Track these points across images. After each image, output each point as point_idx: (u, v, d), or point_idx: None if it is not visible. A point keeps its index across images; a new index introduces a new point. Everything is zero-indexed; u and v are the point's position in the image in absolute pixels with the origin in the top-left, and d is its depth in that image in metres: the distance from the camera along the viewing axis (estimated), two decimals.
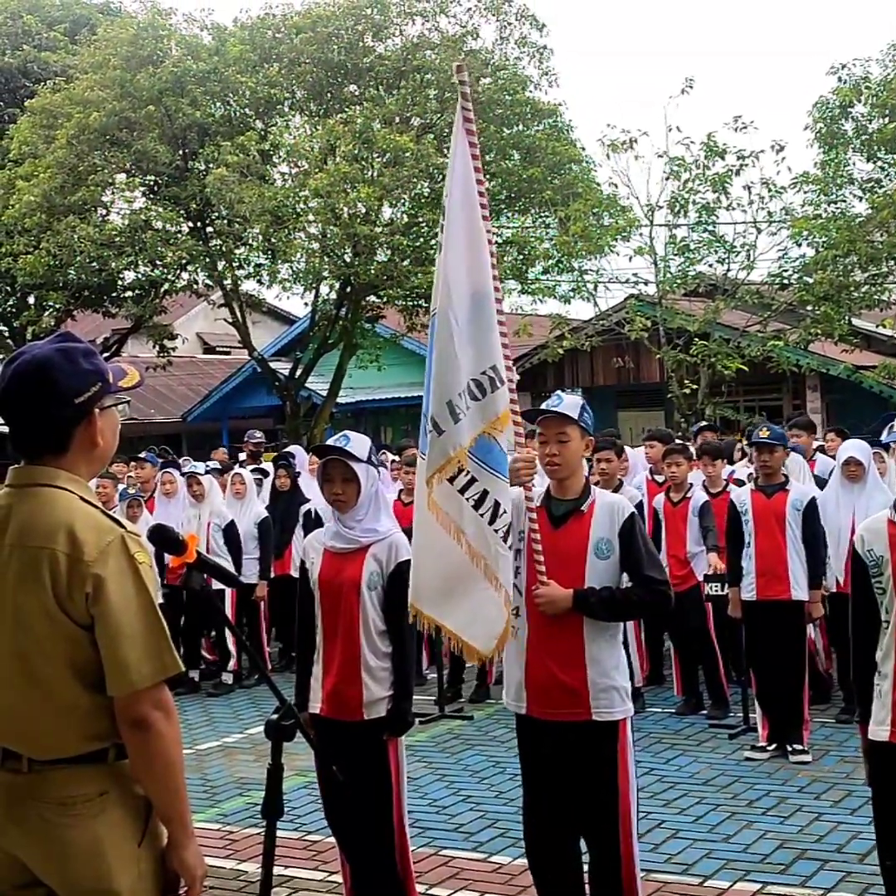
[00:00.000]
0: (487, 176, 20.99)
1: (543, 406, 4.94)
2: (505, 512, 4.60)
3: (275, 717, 3.52)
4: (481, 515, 4.57)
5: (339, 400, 23.70)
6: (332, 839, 6.31)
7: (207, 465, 12.29)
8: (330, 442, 5.33)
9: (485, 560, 4.56)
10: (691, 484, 9.55)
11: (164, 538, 3.38)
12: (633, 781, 4.80)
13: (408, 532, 5.24)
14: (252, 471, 12.93)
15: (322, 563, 5.26)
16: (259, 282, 22.68)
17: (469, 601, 4.60)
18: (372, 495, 5.21)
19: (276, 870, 5.28)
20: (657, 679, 10.35)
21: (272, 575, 11.38)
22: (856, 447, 9.15)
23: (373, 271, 19.66)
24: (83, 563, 2.91)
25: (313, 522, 10.81)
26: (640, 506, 9.59)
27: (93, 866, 2.94)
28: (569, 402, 4.90)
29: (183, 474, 11.56)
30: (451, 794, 7.56)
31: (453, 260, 4.67)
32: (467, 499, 4.57)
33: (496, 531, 4.58)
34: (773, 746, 8.07)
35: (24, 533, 2.99)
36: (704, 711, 9.25)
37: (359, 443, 5.21)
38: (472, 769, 8.10)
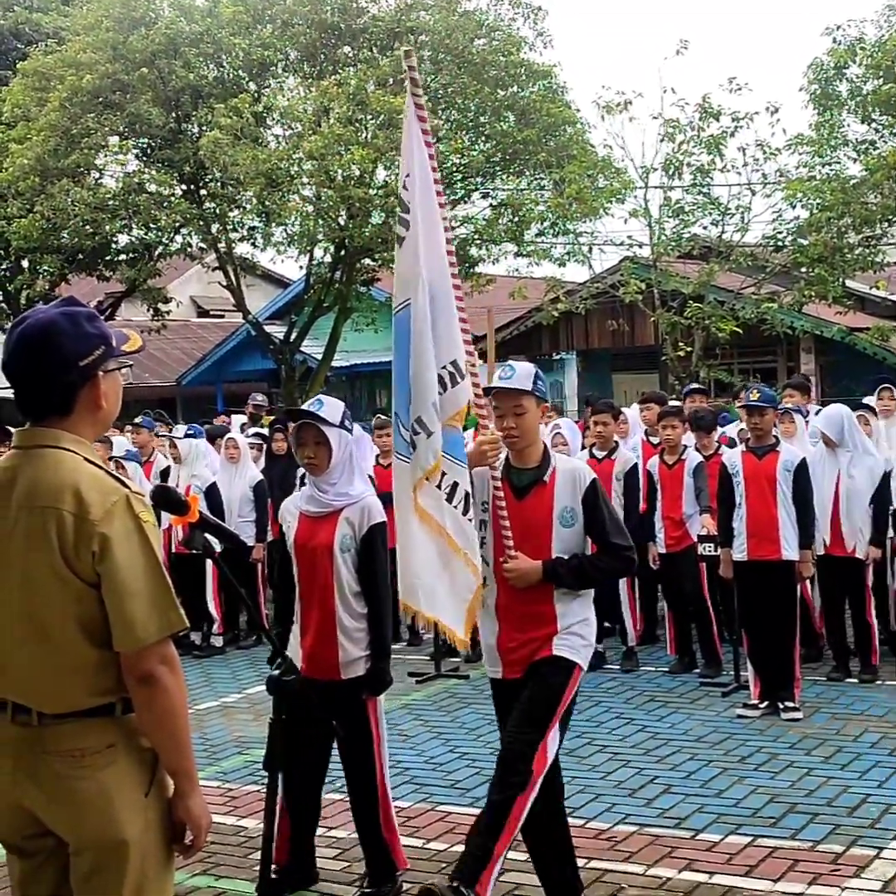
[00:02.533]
0: (483, 138, 20.98)
1: (495, 377, 4.96)
2: (473, 502, 4.70)
3: (276, 672, 3.61)
4: (455, 507, 4.64)
5: (334, 364, 23.68)
6: (331, 796, 6.45)
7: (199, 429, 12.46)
8: (304, 407, 5.43)
9: (465, 552, 4.65)
10: (686, 446, 9.62)
11: (166, 499, 3.44)
12: (557, 729, 4.78)
13: (383, 497, 5.35)
14: (253, 435, 12.99)
15: (297, 526, 5.37)
16: (253, 245, 22.61)
17: (454, 593, 4.71)
18: (345, 459, 5.29)
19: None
20: (651, 638, 10.46)
21: (272, 537, 11.45)
22: (821, 420, 9.21)
23: (367, 234, 19.61)
24: (89, 523, 2.97)
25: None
26: (635, 467, 9.69)
27: (102, 816, 3.02)
28: (521, 373, 4.89)
29: (158, 435, 11.82)
30: (448, 750, 7.67)
31: (422, 251, 4.65)
32: (443, 491, 4.63)
33: (470, 520, 4.67)
34: (765, 704, 8.18)
35: (31, 494, 3.05)
36: (697, 670, 9.36)
37: (332, 407, 5.29)
38: (468, 727, 8.21)
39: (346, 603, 5.22)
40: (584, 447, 10.32)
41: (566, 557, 4.81)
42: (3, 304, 25.26)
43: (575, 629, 4.85)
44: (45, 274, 24.01)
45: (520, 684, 4.87)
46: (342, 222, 19.77)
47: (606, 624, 10.01)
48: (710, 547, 8.84)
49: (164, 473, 11.49)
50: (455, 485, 4.64)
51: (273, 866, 5.54)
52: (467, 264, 21.53)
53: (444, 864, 5.72)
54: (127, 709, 3.06)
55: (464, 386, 4.68)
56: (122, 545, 2.98)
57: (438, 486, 4.62)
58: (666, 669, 9.52)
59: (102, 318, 3.22)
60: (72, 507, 2.99)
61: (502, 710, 4.99)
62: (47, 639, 3.02)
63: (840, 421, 9.03)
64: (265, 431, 13.20)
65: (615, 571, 5.10)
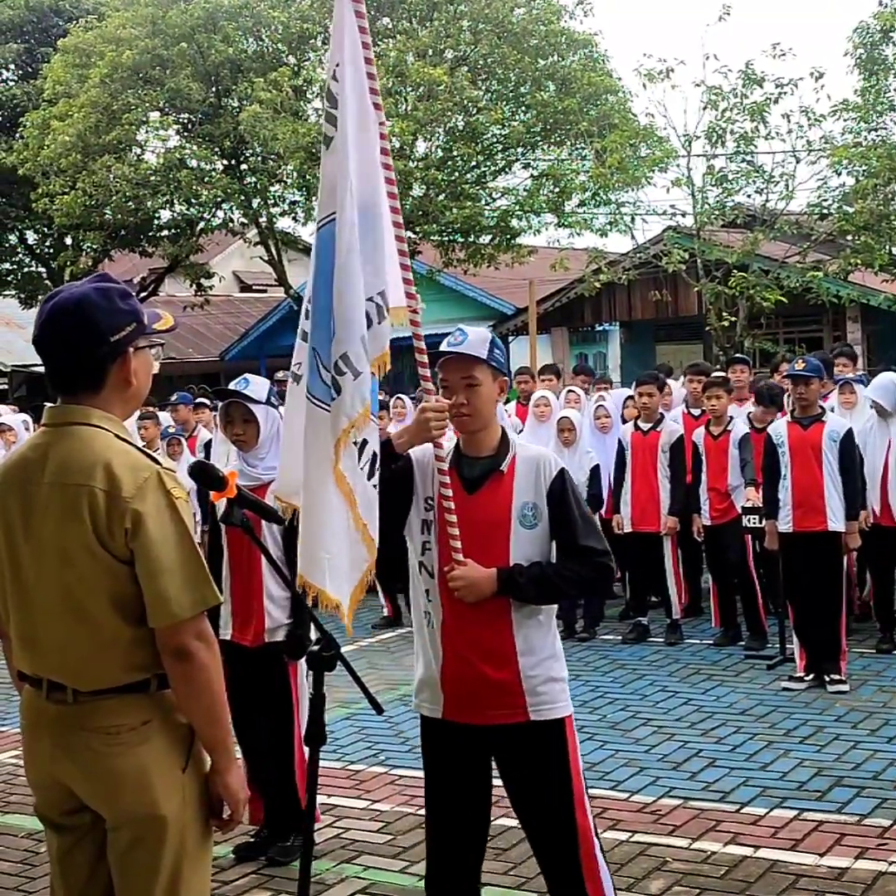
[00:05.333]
0: (523, 108, 20.86)
1: (443, 344, 4.01)
2: (379, 467, 3.82)
3: (316, 648, 3.59)
4: (361, 470, 3.78)
5: None
6: (374, 769, 6.48)
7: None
8: (231, 386, 5.60)
9: (365, 524, 3.80)
10: (731, 417, 9.54)
11: (205, 474, 3.43)
12: (583, 789, 3.97)
13: None
14: None
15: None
16: (294, 219, 22.67)
17: (351, 568, 3.86)
18: (272, 435, 5.51)
19: (320, 798, 5.41)
20: (695, 611, 10.40)
21: None
22: (874, 390, 9.06)
23: (408, 207, 19.57)
24: (122, 500, 2.97)
25: None
26: (680, 439, 9.63)
27: (139, 792, 3.03)
28: (475, 339, 4.00)
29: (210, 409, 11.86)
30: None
31: (352, 156, 3.82)
32: (356, 449, 3.79)
33: (374, 487, 3.80)
34: (811, 677, 8.11)
35: (63, 471, 3.05)
36: (742, 643, 9.31)
37: (258, 385, 5.52)
38: None
39: (272, 573, 5.39)
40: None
41: (525, 565, 3.88)
42: (47, 281, 25.43)
43: (544, 672, 3.93)
44: (89, 250, 24.17)
45: (468, 734, 3.91)
46: None
47: (653, 598, 10.00)
48: (754, 518, 8.77)
49: (208, 446, 11.53)
50: (364, 443, 3.76)
51: (256, 828, 5.72)
52: (508, 236, 21.48)
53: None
54: (162, 685, 3.07)
55: (387, 324, 3.87)
56: (155, 521, 2.98)
57: (354, 443, 3.75)
58: (711, 642, 9.46)
59: (145, 294, 3.22)
60: (104, 484, 2.98)
61: (437, 755, 4.03)
62: (82, 617, 3.03)
63: (893, 389, 8.90)
64: None
65: (585, 582, 4.02)
